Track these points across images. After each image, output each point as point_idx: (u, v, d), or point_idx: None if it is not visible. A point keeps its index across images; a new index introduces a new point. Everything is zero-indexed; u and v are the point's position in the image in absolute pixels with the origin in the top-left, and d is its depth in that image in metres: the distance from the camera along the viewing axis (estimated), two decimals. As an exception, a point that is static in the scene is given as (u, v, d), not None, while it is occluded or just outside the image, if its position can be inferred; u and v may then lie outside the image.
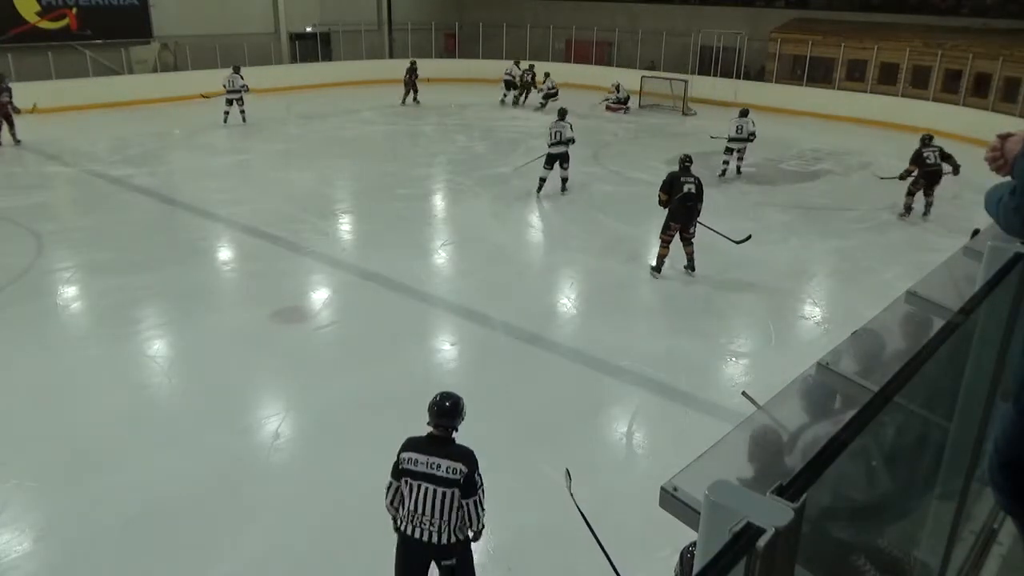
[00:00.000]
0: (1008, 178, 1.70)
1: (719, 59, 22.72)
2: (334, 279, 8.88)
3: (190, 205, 11.47)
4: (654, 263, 8.91)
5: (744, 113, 13.58)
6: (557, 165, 11.99)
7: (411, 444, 3.69)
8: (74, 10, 19.50)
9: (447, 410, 3.70)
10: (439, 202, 12.59)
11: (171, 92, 20.03)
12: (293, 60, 24.03)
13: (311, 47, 24.38)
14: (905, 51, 19.76)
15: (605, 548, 3.25)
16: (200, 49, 20.96)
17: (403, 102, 20.73)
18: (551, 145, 11.83)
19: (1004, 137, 1.74)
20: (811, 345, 7.24)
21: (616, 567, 3.18)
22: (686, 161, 8.80)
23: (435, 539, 3.59)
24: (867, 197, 12.97)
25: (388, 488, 3.71)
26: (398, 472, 3.66)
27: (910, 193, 11.53)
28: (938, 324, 1.50)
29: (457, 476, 3.56)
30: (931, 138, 11.58)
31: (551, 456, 5.39)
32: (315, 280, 8.84)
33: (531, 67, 22.26)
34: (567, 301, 8.41)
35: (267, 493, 5.02)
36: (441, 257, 9.81)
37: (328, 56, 24.59)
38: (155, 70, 21.16)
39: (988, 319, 1.70)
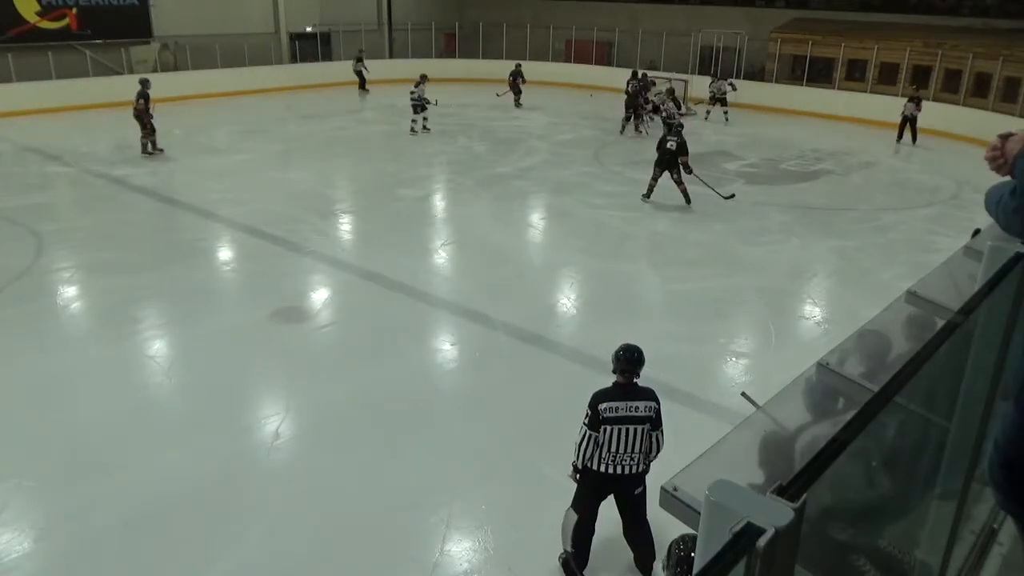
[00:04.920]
0: (1008, 178, 1.70)
1: (719, 59, 22.72)
2: (334, 279, 8.87)
3: (190, 205, 11.47)
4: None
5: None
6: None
7: (605, 395, 4.14)
8: (74, 10, 19.51)
9: (636, 359, 4.19)
10: (439, 202, 12.59)
11: (171, 92, 20.01)
12: (293, 60, 24.04)
13: (311, 47, 24.38)
14: (905, 51, 19.76)
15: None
16: (200, 49, 20.98)
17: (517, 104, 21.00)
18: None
19: (1005, 137, 1.74)
20: (811, 345, 7.24)
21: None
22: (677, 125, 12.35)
23: (633, 470, 4.13)
24: (867, 197, 12.97)
25: (584, 440, 4.09)
26: (597, 423, 4.07)
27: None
28: (938, 324, 1.50)
29: (651, 413, 4.11)
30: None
31: (551, 456, 5.38)
32: (315, 280, 8.84)
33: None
34: (567, 301, 8.41)
35: (267, 493, 5.02)
36: (441, 257, 9.80)
37: (328, 56, 24.59)
38: (155, 70, 21.15)
39: (988, 319, 1.70)
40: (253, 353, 6.96)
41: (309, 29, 24.52)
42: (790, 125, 19.40)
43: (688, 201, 11.75)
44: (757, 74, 22.69)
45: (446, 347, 7.27)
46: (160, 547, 4.51)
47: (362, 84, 22.85)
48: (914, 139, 17.08)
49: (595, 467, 4.14)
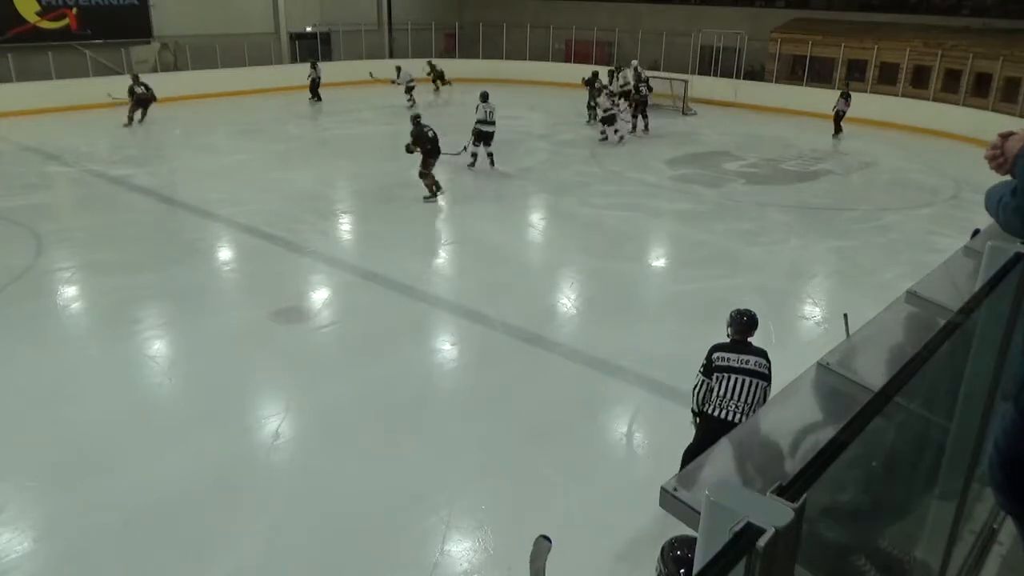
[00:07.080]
0: (1008, 177, 1.70)
1: (719, 59, 22.72)
2: (334, 279, 8.87)
3: (190, 205, 11.47)
4: (428, 194, 11.47)
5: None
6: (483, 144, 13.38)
7: (721, 347, 4.59)
8: (74, 10, 19.50)
9: (751, 322, 4.66)
10: (439, 202, 12.58)
11: (171, 92, 20.02)
12: (293, 60, 24.02)
13: (311, 47, 24.37)
14: (905, 51, 19.75)
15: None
16: (200, 49, 20.96)
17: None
18: (488, 123, 13.19)
19: (1005, 136, 1.74)
20: (811, 345, 7.24)
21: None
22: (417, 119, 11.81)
23: (739, 419, 4.37)
24: (867, 197, 12.98)
25: (697, 385, 4.58)
26: (710, 370, 4.52)
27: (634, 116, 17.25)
28: (938, 324, 1.50)
29: (764, 370, 4.48)
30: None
31: (551, 456, 5.40)
32: (315, 280, 8.84)
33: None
34: (567, 301, 8.41)
35: (267, 493, 5.02)
36: (441, 257, 9.81)
37: (328, 56, 24.57)
38: (155, 70, 21.14)
39: (988, 319, 1.70)
40: (253, 353, 6.96)
41: (309, 29, 24.50)
42: (790, 125, 19.40)
43: (435, 196, 11.54)
44: (757, 74, 22.70)
45: (446, 347, 7.27)
46: (160, 547, 4.51)
47: (314, 91, 20.76)
48: (837, 131, 17.82)
49: (709, 411, 4.51)
